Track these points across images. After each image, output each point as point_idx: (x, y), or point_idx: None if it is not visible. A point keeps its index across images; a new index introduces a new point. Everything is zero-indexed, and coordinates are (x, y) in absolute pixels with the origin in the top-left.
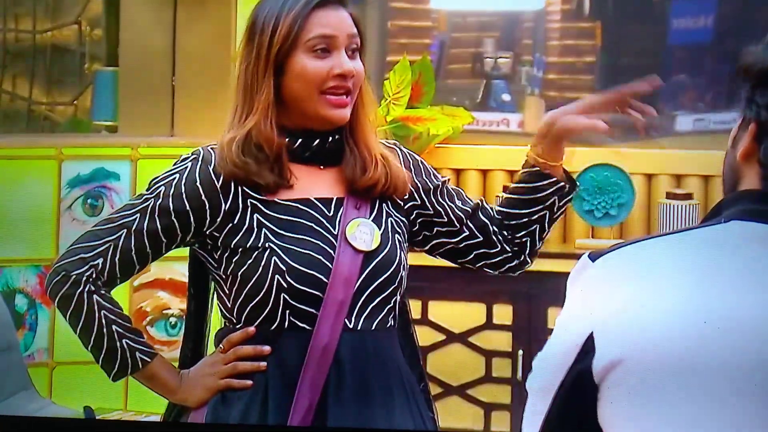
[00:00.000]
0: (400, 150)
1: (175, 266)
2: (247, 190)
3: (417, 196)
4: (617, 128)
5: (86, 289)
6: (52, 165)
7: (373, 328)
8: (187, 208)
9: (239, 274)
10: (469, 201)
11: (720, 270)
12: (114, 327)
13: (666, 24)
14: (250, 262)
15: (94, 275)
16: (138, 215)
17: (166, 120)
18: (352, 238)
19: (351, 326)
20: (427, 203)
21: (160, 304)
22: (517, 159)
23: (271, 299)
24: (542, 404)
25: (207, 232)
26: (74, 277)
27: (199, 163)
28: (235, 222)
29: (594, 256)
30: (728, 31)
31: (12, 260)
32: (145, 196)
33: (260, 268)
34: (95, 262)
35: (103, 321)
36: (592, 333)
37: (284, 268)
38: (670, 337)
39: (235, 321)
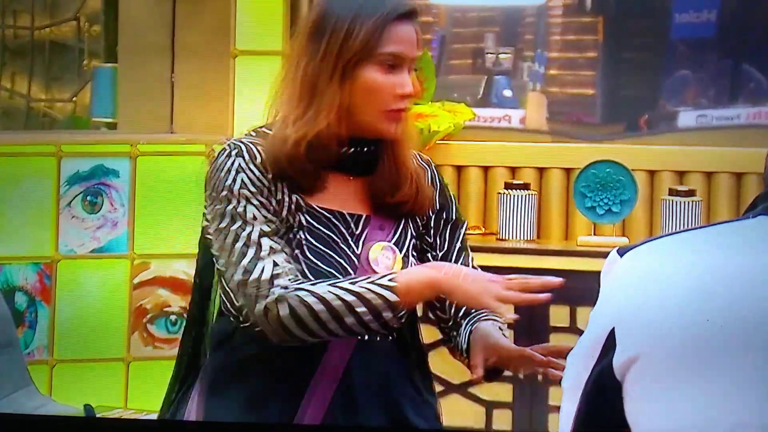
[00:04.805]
0: (431, 168)
1: (175, 264)
2: (291, 185)
3: (428, 219)
4: (619, 125)
5: (288, 292)
6: (51, 162)
7: (377, 343)
8: (270, 199)
9: None
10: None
11: (742, 260)
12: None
13: (668, 19)
14: None
15: (283, 282)
16: (252, 225)
17: (165, 116)
18: (374, 263)
19: (360, 342)
20: (431, 230)
21: (160, 302)
22: (519, 155)
23: None
24: (572, 403)
25: None
26: (276, 294)
27: (247, 157)
28: (282, 217)
29: (622, 251)
30: (731, 26)
31: (11, 258)
32: (236, 208)
33: None
34: (275, 272)
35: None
36: (613, 329)
37: None
38: (688, 326)
39: (242, 319)
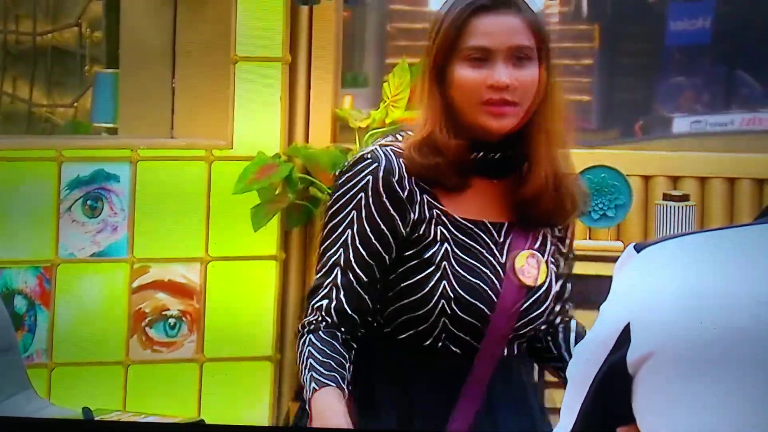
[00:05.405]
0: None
1: (174, 268)
2: (430, 199)
3: (563, 230)
4: (614, 130)
5: (305, 330)
6: (51, 167)
7: (515, 353)
8: (383, 228)
9: (401, 284)
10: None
11: (760, 263)
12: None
13: (663, 26)
14: (419, 277)
15: (311, 318)
16: (342, 249)
17: (166, 122)
18: (521, 272)
19: (503, 355)
20: (567, 239)
21: (158, 305)
22: None
23: (430, 320)
24: (578, 393)
25: (401, 243)
26: (303, 322)
27: (381, 173)
28: (420, 231)
29: (639, 247)
30: (725, 33)
31: (11, 261)
32: (340, 224)
33: (427, 288)
34: (318, 303)
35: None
36: (628, 324)
37: (452, 296)
38: (708, 326)
39: (382, 322)
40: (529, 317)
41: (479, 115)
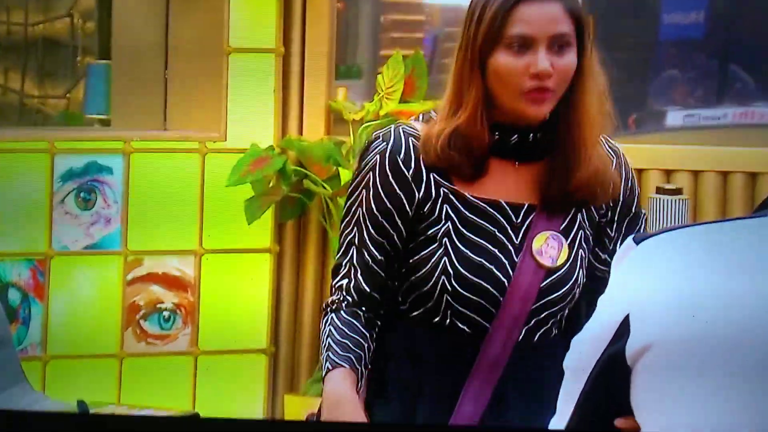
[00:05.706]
0: (618, 157)
1: (168, 260)
2: (439, 178)
3: (611, 212)
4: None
5: (328, 309)
6: (44, 158)
7: (536, 339)
8: (389, 206)
9: (410, 260)
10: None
11: (757, 257)
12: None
13: (657, 19)
14: (423, 253)
15: (334, 297)
16: (355, 228)
17: (158, 113)
18: (538, 253)
19: (518, 339)
20: (614, 224)
21: (153, 298)
22: None
23: (435, 297)
24: (576, 384)
25: (408, 221)
26: (327, 302)
27: (388, 153)
28: (425, 210)
29: (638, 239)
30: (719, 27)
31: (4, 254)
32: (353, 204)
33: (429, 264)
34: (339, 283)
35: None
36: (627, 315)
37: (451, 272)
38: (705, 321)
39: (400, 300)
40: (548, 300)
41: (520, 102)
